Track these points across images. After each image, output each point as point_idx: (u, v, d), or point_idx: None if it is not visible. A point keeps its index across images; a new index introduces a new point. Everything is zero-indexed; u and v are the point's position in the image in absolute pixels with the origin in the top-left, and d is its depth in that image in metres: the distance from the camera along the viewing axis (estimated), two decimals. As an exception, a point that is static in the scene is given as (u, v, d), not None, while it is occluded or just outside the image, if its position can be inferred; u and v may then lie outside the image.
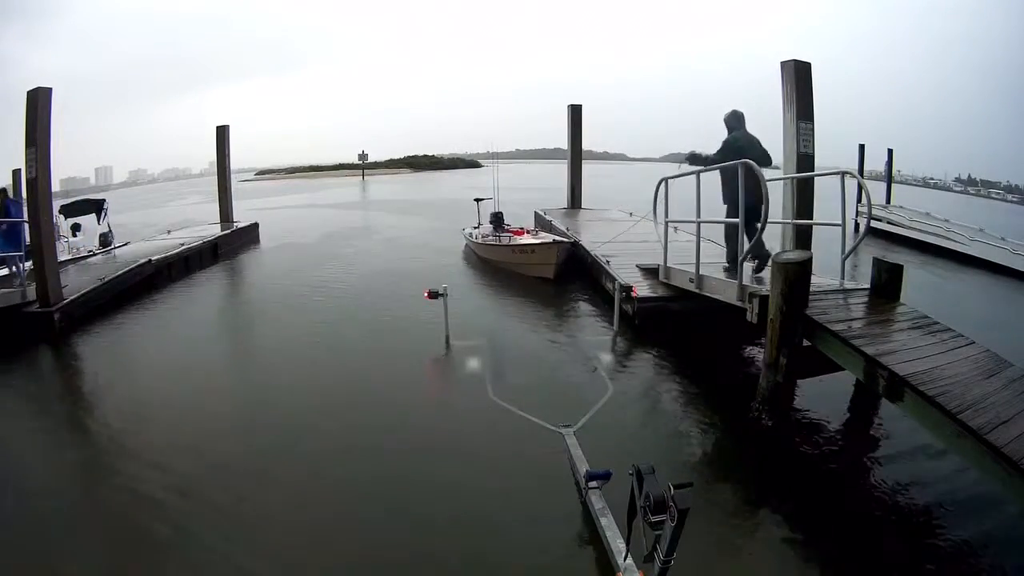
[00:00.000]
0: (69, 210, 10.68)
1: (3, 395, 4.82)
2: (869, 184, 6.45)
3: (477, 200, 11.16)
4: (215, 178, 14.42)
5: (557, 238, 8.77)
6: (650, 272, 6.63)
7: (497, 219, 10.22)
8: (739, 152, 5.03)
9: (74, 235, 10.47)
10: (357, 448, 3.72)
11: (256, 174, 64.02)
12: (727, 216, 5.34)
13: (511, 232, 9.57)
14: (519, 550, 2.72)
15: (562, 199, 14.58)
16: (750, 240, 4.68)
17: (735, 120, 5.55)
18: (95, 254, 9.88)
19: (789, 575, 2.69)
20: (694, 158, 5.69)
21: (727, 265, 5.65)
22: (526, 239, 8.98)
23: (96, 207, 11.03)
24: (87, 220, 10.96)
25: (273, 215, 18.33)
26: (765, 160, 5.35)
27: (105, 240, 10.60)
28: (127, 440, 3.88)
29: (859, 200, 10.55)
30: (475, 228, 10.61)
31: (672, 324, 5.74)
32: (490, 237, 9.43)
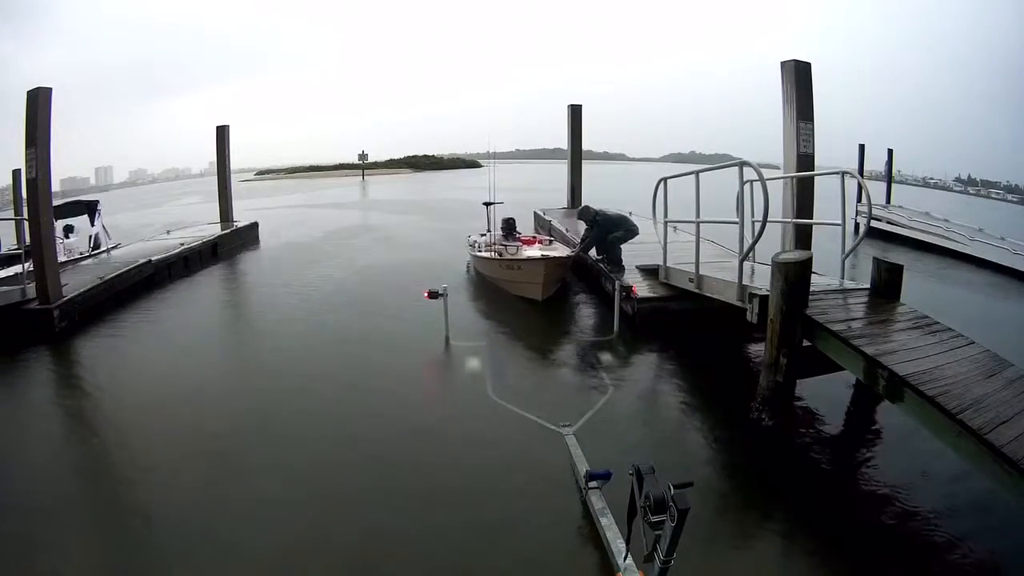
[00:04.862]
0: (60, 212, 9.98)
1: (1, 392, 4.82)
2: (869, 184, 6.46)
3: (486, 204, 9.52)
4: (215, 178, 14.39)
5: (550, 254, 7.59)
6: (650, 272, 6.64)
7: (508, 226, 9.06)
8: (614, 221, 7.47)
9: (67, 237, 10.17)
10: (357, 448, 3.71)
11: (256, 174, 63.93)
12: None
13: (521, 241, 8.53)
14: (519, 550, 2.72)
15: (562, 199, 14.58)
16: (611, 253, 7.30)
17: (590, 210, 7.72)
18: (87, 256, 9.77)
19: (789, 575, 2.69)
20: (586, 246, 7.69)
21: (599, 258, 7.54)
22: (534, 250, 8.00)
23: (89, 208, 10.76)
24: (80, 222, 10.73)
25: (273, 215, 18.31)
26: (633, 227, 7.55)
27: (97, 242, 10.43)
28: (126, 437, 3.88)
29: (859, 200, 10.50)
30: (482, 236, 9.30)
31: (672, 324, 5.74)
32: (493, 246, 8.16)
